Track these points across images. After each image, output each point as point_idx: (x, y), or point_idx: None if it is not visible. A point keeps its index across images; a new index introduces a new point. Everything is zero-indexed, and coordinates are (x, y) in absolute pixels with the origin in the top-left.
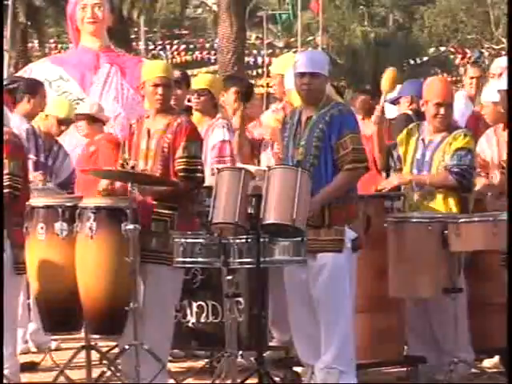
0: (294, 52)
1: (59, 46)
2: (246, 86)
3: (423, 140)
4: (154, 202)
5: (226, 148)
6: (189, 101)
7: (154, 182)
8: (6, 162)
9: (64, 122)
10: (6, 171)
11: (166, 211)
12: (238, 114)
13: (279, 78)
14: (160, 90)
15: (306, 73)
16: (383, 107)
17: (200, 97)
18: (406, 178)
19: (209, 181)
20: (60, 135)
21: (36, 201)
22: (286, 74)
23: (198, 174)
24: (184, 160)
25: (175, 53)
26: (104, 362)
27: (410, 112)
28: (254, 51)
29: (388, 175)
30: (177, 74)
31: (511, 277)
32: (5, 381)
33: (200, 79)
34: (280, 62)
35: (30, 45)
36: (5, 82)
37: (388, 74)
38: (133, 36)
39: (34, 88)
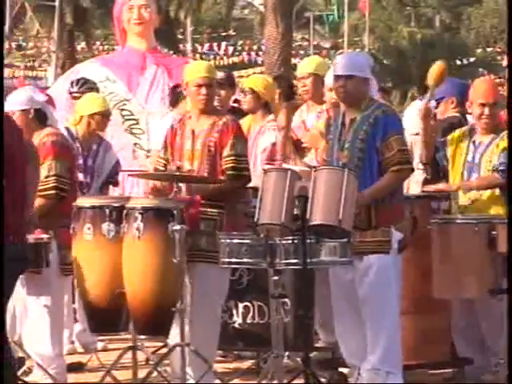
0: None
1: (106, 47)
2: (287, 85)
3: (474, 142)
4: (202, 202)
5: (277, 151)
6: (234, 102)
7: (200, 182)
8: (52, 163)
9: (101, 115)
10: (52, 172)
11: (215, 210)
12: (283, 114)
13: (312, 77)
14: (203, 90)
15: (340, 75)
16: (428, 102)
17: (245, 96)
18: (452, 188)
19: (257, 182)
20: (105, 129)
21: (83, 201)
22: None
23: (245, 172)
24: (232, 158)
25: (222, 54)
26: (150, 362)
27: (457, 114)
28: (301, 52)
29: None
30: (221, 74)
31: (511, 277)
32: (51, 381)
33: (248, 79)
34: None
35: (77, 46)
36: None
37: (435, 68)
38: (179, 37)
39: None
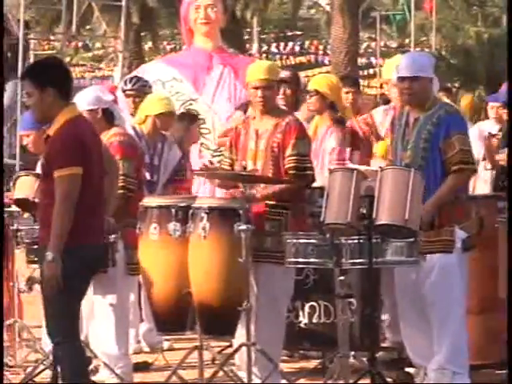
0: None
1: (173, 46)
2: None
3: None
4: (268, 202)
5: (345, 151)
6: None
7: (265, 182)
8: (120, 162)
9: (168, 117)
10: (120, 172)
11: (280, 210)
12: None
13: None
14: (259, 92)
15: (406, 77)
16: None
17: (310, 97)
18: None
19: (325, 182)
20: (169, 128)
21: (149, 201)
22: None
23: (308, 172)
24: (294, 158)
25: (288, 53)
26: (216, 362)
27: None
28: (369, 51)
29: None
30: (287, 73)
31: (511, 275)
32: (117, 380)
33: (312, 80)
34: (390, 66)
35: (143, 45)
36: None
37: (465, 102)
38: (246, 37)
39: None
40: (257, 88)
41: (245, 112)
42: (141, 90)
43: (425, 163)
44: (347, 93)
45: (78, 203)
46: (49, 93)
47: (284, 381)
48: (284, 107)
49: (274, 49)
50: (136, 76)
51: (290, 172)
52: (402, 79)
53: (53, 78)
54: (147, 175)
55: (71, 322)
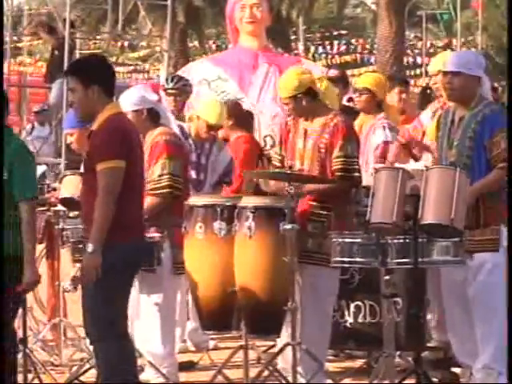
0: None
1: (218, 45)
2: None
3: None
4: (311, 203)
5: (388, 149)
6: (348, 101)
7: (311, 182)
8: (166, 161)
9: (214, 128)
10: (166, 171)
11: (323, 212)
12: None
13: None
14: (287, 107)
15: (448, 72)
16: None
17: (361, 96)
18: None
19: (369, 180)
20: (208, 140)
21: (195, 200)
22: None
23: (356, 174)
24: (341, 160)
25: (334, 53)
26: (262, 361)
27: None
28: (416, 51)
29: None
30: (334, 72)
31: (511, 274)
32: (163, 379)
33: (362, 78)
34: (438, 60)
35: (189, 45)
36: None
37: None
38: (292, 36)
39: None
40: (284, 104)
41: None
42: (182, 89)
43: (470, 162)
44: (400, 92)
45: (120, 198)
46: (93, 90)
47: (329, 380)
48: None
49: (319, 48)
50: (177, 75)
51: (337, 174)
52: (444, 74)
53: (97, 76)
54: (193, 174)
55: (110, 320)
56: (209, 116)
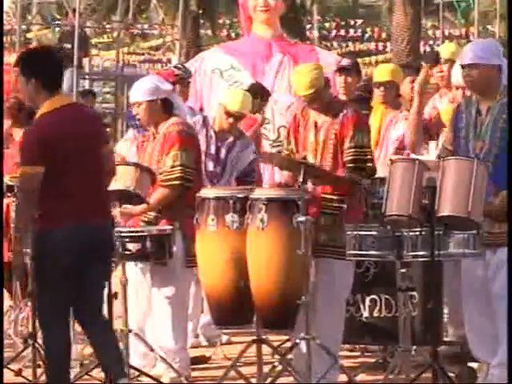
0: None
1: (232, 34)
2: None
3: None
4: (323, 195)
5: (406, 141)
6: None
7: (325, 175)
8: (178, 153)
9: (234, 116)
10: (178, 162)
11: (335, 204)
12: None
13: (449, 64)
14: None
15: (465, 65)
16: None
17: (386, 90)
18: None
19: (386, 172)
20: (229, 128)
21: (207, 192)
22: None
23: (368, 164)
24: (352, 150)
25: (349, 42)
26: (275, 356)
27: None
28: (430, 41)
29: None
30: (347, 61)
31: (511, 274)
32: (175, 374)
33: (385, 70)
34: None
35: (201, 34)
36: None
37: None
38: (307, 26)
39: None
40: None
41: None
42: (182, 77)
43: (501, 153)
44: (412, 81)
45: (47, 195)
46: (32, 83)
47: (344, 375)
48: (344, 96)
49: (334, 36)
50: (176, 65)
51: (349, 165)
52: (462, 67)
53: (36, 69)
54: (210, 166)
55: (43, 308)
56: (229, 103)
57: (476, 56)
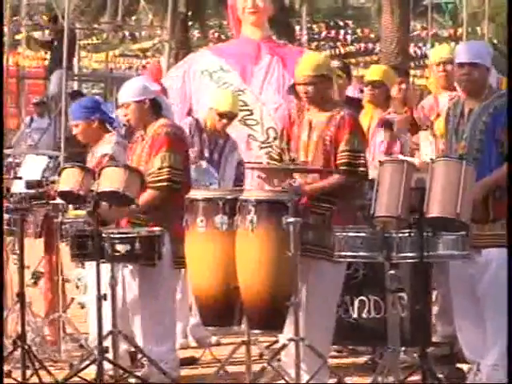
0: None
1: (220, 36)
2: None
3: None
4: (313, 196)
5: (395, 144)
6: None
7: (315, 173)
8: (166, 154)
9: (226, 116)
10: (166, 164)
11: (325, 205)
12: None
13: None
14: (302, 88)
15: (465, 63)
16: None
17: (374, 89)
18: None
19: (374, 174)
20: (222, 129)
21: (196, 193)
22: None
23: (361, 169)
24: (346, 154)
25: (338, 43)
26: (264, 357)
27: None
28: (419, 43)
29: None
30: (336, 63)
31: (511, 275)
32: (164, 376)
33: (375, 71)
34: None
35: (190, 35)
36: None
37: None
38: (296, 27)
39: None
40: (300, 84)
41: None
42: None
43: (480, 155)
44: (400, 83)
45: None
46: None
47: (332, 378)
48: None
49: (323, 38)
50: None
51: (342, 168)
52: (461, 65)
53: None
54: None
55: None
56: (220, 105)
57: (477, 56)
